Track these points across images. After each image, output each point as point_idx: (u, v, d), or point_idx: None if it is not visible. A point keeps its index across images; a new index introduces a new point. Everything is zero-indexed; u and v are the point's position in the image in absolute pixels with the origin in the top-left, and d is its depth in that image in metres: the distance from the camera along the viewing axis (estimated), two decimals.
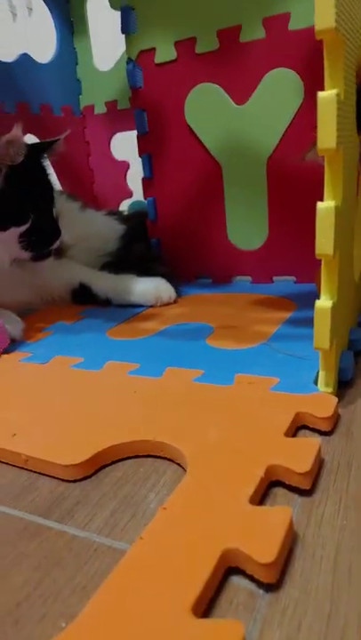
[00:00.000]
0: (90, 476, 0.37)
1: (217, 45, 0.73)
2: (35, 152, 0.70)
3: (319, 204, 0.37)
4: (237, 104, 0.74)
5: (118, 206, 1.25)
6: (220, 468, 0.33)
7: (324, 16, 0.33)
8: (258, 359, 0.51)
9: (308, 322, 0.59)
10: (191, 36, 0.75)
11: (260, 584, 0.26)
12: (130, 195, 1.25)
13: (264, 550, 0.26)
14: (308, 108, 0.70)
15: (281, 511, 0.28)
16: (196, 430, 0.38)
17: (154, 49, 0.78)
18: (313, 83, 0.68)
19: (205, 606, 0.24)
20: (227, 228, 0.81)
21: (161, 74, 0.79)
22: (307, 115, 0.70)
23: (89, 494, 0.35)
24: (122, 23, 0.78)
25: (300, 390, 0.43)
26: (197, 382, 0.47)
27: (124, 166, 1.24)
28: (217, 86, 0.75)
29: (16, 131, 0.63)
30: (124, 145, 1.32)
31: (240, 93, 0.74)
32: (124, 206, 1.27)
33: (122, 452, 0.38)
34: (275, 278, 0.80)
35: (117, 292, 0.75)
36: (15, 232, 0.69)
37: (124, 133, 1.20)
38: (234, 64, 0.73)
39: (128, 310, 0.74)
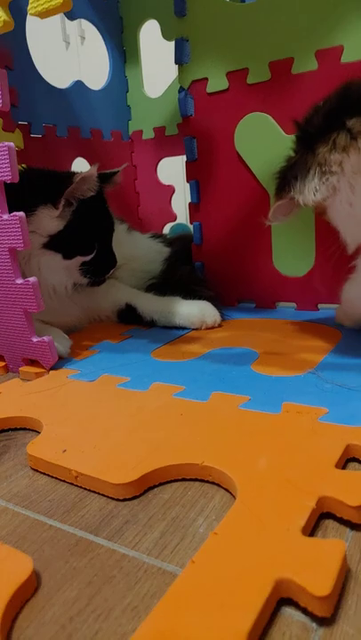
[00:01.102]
0: (138, 496, 0.38)
1: (269, 76, 0.75)
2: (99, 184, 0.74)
3: None
4: (287, 134, 0.76)
5: (162, 229, 1.28)
6: (270, 497, 0.33)
7: None
8: (305, 388, 0.50)
9: (356, 351, 0.59)
10: (243, 67, 0.77)
11: (313, 617, 0.26)
12: (174, 218, 1.28)
13: (319, 583, 0.25)
14: None
15: (335, 544, 0.28)
16: (244, 457, 0.39)
17: (206, 79, 0.81)
18: None
19: (259, 636, 0.24)
20: (272, 254, 0.82)
21: (212, 102, 0.81)
22: None
23: (137, 514, 0.36)
24: (176, 54, 0.82)
25: (350, 422, 0.42)
26: (244, 408, 0.47)
27: (170, 190, 1.27)
28: (267, 116, 0.77)
29: (93, 170, 0.67)
30: (171, 170, 1.36)
31: (291, 123, 0.75)
32: (167, 229, 1.30)
33: (170, 475, 0.39)
34: (320, 306, 0.80)
35: (162, 313, 0.77)
36: (79, 260, 0.72)
37: (170, 158, 1.23)
38: (285, 94, 0.75)
39: (172, 332, 0.75)
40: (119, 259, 0.88)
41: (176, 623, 0.24)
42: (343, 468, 0.38)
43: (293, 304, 0.83)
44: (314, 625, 0.25)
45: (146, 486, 0.38)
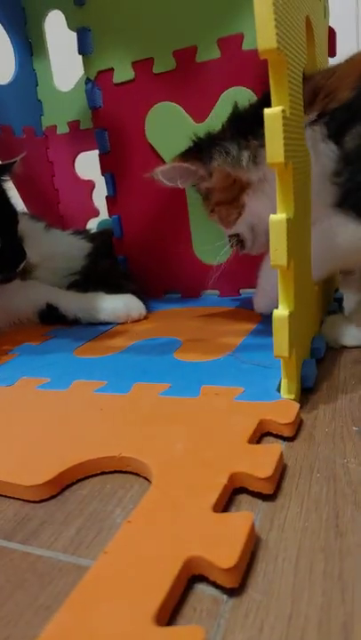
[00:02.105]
0: (55, 496, 0.37)
1: (174, 65, 0.76)
2: None
3: (272, 217, 0.39)
4: (197, 122, 0.76)
5: (85, 225, 1.26)
6: (184, 479, 0.33)
7: (266, 37, 0.35)
8: (224, 370, 0.51)
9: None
10: (148, 57, 0.77)
11: (223, 590, 0.26)
12: (97, 213, 1.26)
13: (226, 556, 0.26)
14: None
15: (242, 516, 0.29)
16: (162, 443, 0.38)
17: (112, 69, 0.80)
18: None
19: (169, 615, 0.24)
20: (192, 244, 0.83)
21: (120, 93, 0.80)
22: None
23: (54, 514, 0.35)
24: (78, 44, 0.80)
25: (263, 398, 0.43)
26: (164, 396, 0.47)
27: (90, 185, 1.25)
28: (176, 105, 0.77)
29: None
30: (89, 164, 1.34)
31: (199, 111, 0.76)
32: (92, 225, 1.28)
33: (88, 470, 0.38)
34: (241, 291, 0.82)
35: (86, 310, 0.75)
36: None
37: (88, 153, 1.21)
38: (191, 83, 0.75)
39: (97, 328, 0.74)
40: (37, 258, 0.86)
41: (84, 617, 0.24)
42: (258, 443, 0.39)
43: (217, 291, 0.84)
44: (224, 597, 0.26)
45: (63, 485, 0.37)
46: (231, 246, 0.63)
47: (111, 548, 0.28)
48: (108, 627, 0.23)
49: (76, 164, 1.22)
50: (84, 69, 0.82)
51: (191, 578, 0.27)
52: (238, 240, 0.62)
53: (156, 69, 0.77)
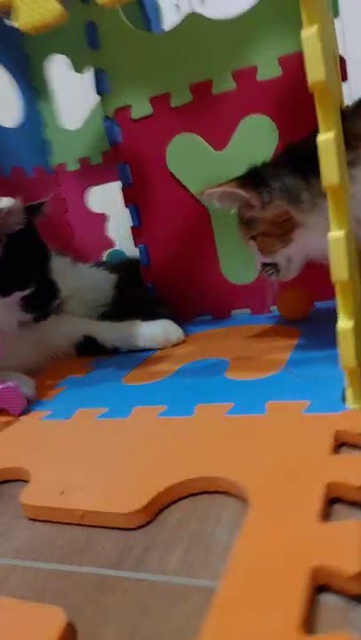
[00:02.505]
0: (150, 522, 0.37)
1: (191, 98, 0.79)
2: (27, 216, 0.73)
3: (331, 235, 0.41)
4: (217, 150, 0.79)
5: (100, 257, 1.28)
6: (281, 493, 0.34)
7: (315, 70, 0.37)
8: (282, 385, 0.53)
9: (316, 345, 0.63)
10: (165, 92, 0.80)
11: (348, 597, 0.27)
12: (111, 245, 1.28)
13: (349, 563, 0.27)
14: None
15: (353, 524, 0.30)
16: (245, 461, 0.39)
17: (129, 106, 0.83)
18: (286, 126, 0.74)
19: (307, 628, 0.25)
20: (220, 265, 0.85)
21: (139, 128, 0.84)
22: None
23: (155, 539, 0.35)
24: (96, 85, 0.83)
25: (331, 410, 0.44)
26: (231, 415, 0.48)
27: (103, 218, 1.28)
28: (195, 135, 0.80)
29: (15, 202, 0.65)
30: (100, 198, 1.37)
31: (218, 140, 0.79)
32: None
33: (178, 493, 0.39)
34: (272, 307, 0.83)
35: (124, 338, 0.77)
36: (17, 296, 0.70)
37: (98, 187, 1.24)
38: (209, 114, 0.79)
39: (137, 355, 0.75)
40: (67, 291, 0.87)
41: (229, 634, 0.24)
42: (336, 453, 0.40)
43: (248, 310, 0.86)
44: (351, 604, 0.27)
45: (157, 509, 0.38)
46: (265, 273, 0.65)
47: (233, 566, 0.29)
48: (260, 637, 0.24)
49: (87, 199, 1.26)
50: (103, 108, 0.85)
51: (316, 590, 0.27)
52: (274, 268, 0.64)
53: (173, 103, 0.80)
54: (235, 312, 0.88)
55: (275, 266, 0.63)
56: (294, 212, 0.56)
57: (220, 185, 0.61)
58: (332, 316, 0.75)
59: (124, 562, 0.34)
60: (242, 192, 0.58)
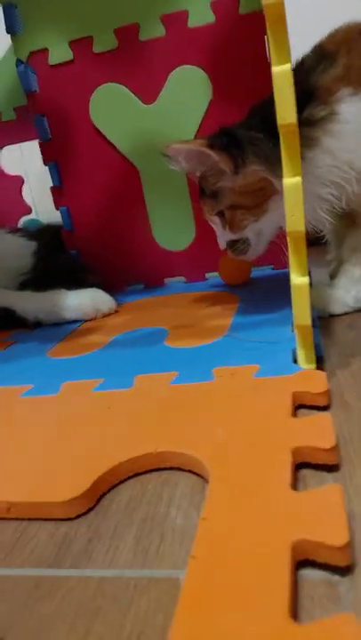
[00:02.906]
0: (92, 509, 0.32)
1: (116, 44, 0.71)
2: None
3: (286, 182, 0.37)
4: (146, 103, 0.73)
5: (17, 223, 1.17)
6: (244, 463, 0.31)
7: None
8: (228, 351, 0.49)
9: (258, 309, 0.60)
10: (87, 35, 0.72)
11: (333, 570, 0.24)
12: (29, 211, 1.18)
13: (334, 533, 0.24)
14: (218, 103, 0.70)
15: (330, 490, 0.27)
16: (197, 432, 0.35)
17: (46, 49, 0.74)
18: (220, 79, 0.69)
19: (295, 611, 0.22)
20: (152, 231, 0.79)
21: (58, 75, 0.75)
22: (218, 110, 0.71)
23: (99, 528, 0.30)
24: (6, 22, 0.73)
25: (284, 372, 0.42)
26: (176, 384, 0.44)
27: (18, 181, 1.16)
28: (122, 86, 0.73)
29: None
30: (16, 159, 1.25)
31: (147, 93, 0.73)
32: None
33: (123, 473, 0.34)
34: (207, 275, 0.80)
35: (48, 310, 0.69)
36: None
37: (13, 147, 1.12)
38: (137, 63, 0.72)
39: (63, 327, 0.68)
40: None
41: (209, 628, 0.20)
42: (294, 416, 0.37)
43: (182, 278, 0.81)
44: (336, 577, 0.24)
45: (98, 495, 0.33)
46: (234, 251, 0.58)
47: (198, 551, 0.25)
48: (244, 634, 0.20)
49: (1, 160, 1.13)
50: (14, 50, 0.75)
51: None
52: (244, 244, 0.57)
53: (96, 49, 0.72)
54: (168, 280, 0.83)
55: (245, 241, 0.57)
56: (273, 179, 0.50)
57: (186, 142, 0.54)
58: (268, 281, 0.73)
59: (63, 558, 0.28)
60: (212, 153, 0.50)
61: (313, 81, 0.49)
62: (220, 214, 0.56)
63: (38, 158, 0.82)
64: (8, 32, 0.74)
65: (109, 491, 0.33)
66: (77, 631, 0.23)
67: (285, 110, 0.36)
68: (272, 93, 0.36)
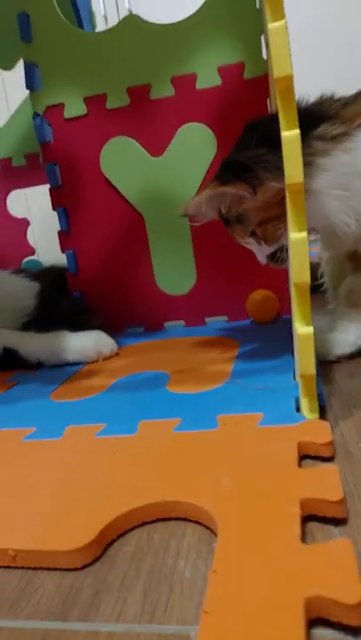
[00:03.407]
0: (99, 558, 0.32)
1: (128, 101, 0.76)
2: None
3: (292, 236, 0.39)
4: (154, 156, 0.77)
5: (19, 264, 1.19)
6: (252, 515, 0.31)
7: (282, 65, 0.36)
8: (231, 398, 0.50)
9: (259, 355, 0.61)
10: (101, 93, 0.76)
11: (345, 630, 0.24)
12: (32, 252, 1.20)
13: (347, 591, 0.24)
14: (222, 158, 0.74)
15: (342, 544, 0.27)
16: (204, 481, 0.35)
17: (62, 104, 0.78)
18: (225, 136, 0.73)
19: None
20: (154, 276, 0.81)
21: (72, 128, 0.79)
22: None
23: (106, 579, 0.30)
24: (26, 79, 0.77)
25: (288, 421, 0.42)
26: (180, 431, 0.44)
27: (24, 224, 1.19)
28: (131, 139, 0.77)
29: None
30: (23, 202, 1.29)
31: (155, 146, 0.76)
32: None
33: (129, 522, 0.34)
34: (207, 319, 0.81)
35: (51, 351, 0.70)
36: None
37: (21, 190, 1.16)
38: (146, 119, 0.76)
39: (65, 370, 0.69)
40: None
41: None
42: (299, 466, 0.37)
43: (182, 322, 0.83)
44: (349, 638, 0.24)
45: (105, 544, 0.32)
46: (276, 262, 0.59)
47: (210, 606, 0.25)
48: None
49: (8, 203, 1.17)
50: (32, 105, 0.79)
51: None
52: (283, 252, 0.57)
53: (109, 105, 0.77)
54: (168, 324, 0.84)
55: (282, 249, 0.57)
56: None
57: (200, 193, 0.55)
58: (268, 328, 0.74)
59: (70, 611, 0.28)
60: (229, 189, 0.52)
61: (332, 111, 0.52)
62: (253, 234, 0.58)
63: (41, 202, 0.85)
64: (27, 88, 0.78)
65: (115, 540, 0.33)
66: None
67: (293, 171, 0.38)
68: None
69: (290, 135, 0.37)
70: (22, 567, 0.32)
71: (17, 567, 0.32)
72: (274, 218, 0.55)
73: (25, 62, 0.77)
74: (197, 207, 0.56)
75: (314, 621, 0.24)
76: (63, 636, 0.26)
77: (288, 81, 0.37)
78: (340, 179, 0.51)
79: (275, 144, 0.39)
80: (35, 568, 0.32)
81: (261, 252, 0.59)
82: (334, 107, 0.53)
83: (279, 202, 0.53)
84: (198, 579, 0.29)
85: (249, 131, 0.57)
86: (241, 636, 0.22)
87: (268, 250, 0.58)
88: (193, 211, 0.57)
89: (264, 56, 0.70)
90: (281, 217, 0.54)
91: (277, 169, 0.49)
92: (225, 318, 0.81)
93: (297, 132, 0.37)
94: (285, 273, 0.69)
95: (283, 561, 0.26)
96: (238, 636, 0.22)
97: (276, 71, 0.36)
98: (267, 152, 0.51)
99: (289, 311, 0.75)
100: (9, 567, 0.32)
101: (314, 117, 0.52)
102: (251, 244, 0.59)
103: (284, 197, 0.52)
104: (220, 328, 0.78)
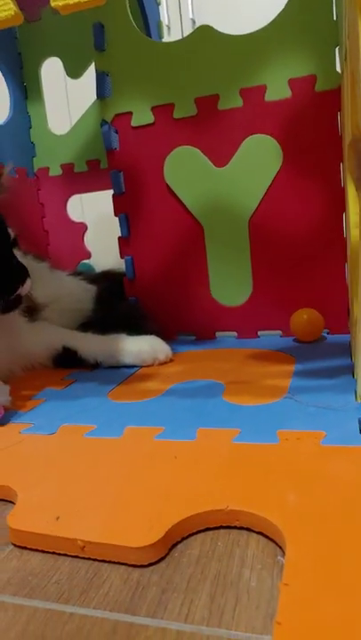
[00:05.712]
0: (163, 558, 0.33)
1: (195, 112, 0.77)
2: None
3: None
4: (218, 167, 0.78)
5: (76, 268, 1.23)
6: (323, 530, 0.31)
7: None
8: (290, 413, 0.49)
9: (318, 373, 0.60)
10: (169, 102, 0.78)
11: None
12: (88, 256, 1.24)
13: None
14: (287, 171, 0.74)
15: None
16: (268, 493, 0.36)
17: (130, 113, 0.81)
18: (291, 149, 0.74)
19: None
20: (210, 285, 0.82)
21: (138, 136, 0.81)
22: (286, 178, 0.75)
23: (172, 579, 0.31)
24: (97, 88, 0.80)
25: (353, 442, 0.42)
26: (239, 442, 0.45)
27: (82, 228, 1.23)
28: (196, 149, 0.78)
29: None
30: (82, 207, 1.33)
31: (220, 157, 0.78)
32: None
33: (193, 526, 0.34)
34: (260, 333, 0.81)
35: (108, 353, 0.72)
36: None
37: (80, 195, 1.20)
38: (212, 129, 0.77)
39: (120, 371, 0.71)
40: (45, 298, 0.82)
41: None
42: None
43: (234, 333, 0.83)
44: None
45: (170, 544, 0.33)
46: None
47: (284, 618, 0.25)
48: None
49: (68, 207, 1.21)
50: (101, 112, 0.82)
51: None
52: None
53: (176, 114, 0.78)
54: (219, 334, 0.85)
55: None
56: None
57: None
58: (324, 345, 0.73)
59: (138, 605, 0.29)
60: None
61: None
62: None
63: (96, 208, 0.87)
64: (98, 97, 0.81)
65: (179, 543, 0.34)
66: None
67: None
68: None
69: None
70: (89, 558, 0.33)
71: (85, 558, 0.33)
72: None
73: (97, 71, 0.80)
74: None
75: None
76: (133, 629, 0.27)
77: None
78: None
79: None
80: (101, 560, 0.33)
81: None
82: None
83: None
84: (265, 589, 0.29)
85: None
86: None
87: None
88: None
89: (337, 69, 0.69)
90: None
91: None
92: (279, 332, 0.81)
93: None
94: (344, 288, 0.68)
95: (357, 582, 0.26)
96: None
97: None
98: None
99: (339, 329, 0.74)
100: (77, 557, 0.34)
101: None
102: None
103: None
104: (274, 342, 0.77)
